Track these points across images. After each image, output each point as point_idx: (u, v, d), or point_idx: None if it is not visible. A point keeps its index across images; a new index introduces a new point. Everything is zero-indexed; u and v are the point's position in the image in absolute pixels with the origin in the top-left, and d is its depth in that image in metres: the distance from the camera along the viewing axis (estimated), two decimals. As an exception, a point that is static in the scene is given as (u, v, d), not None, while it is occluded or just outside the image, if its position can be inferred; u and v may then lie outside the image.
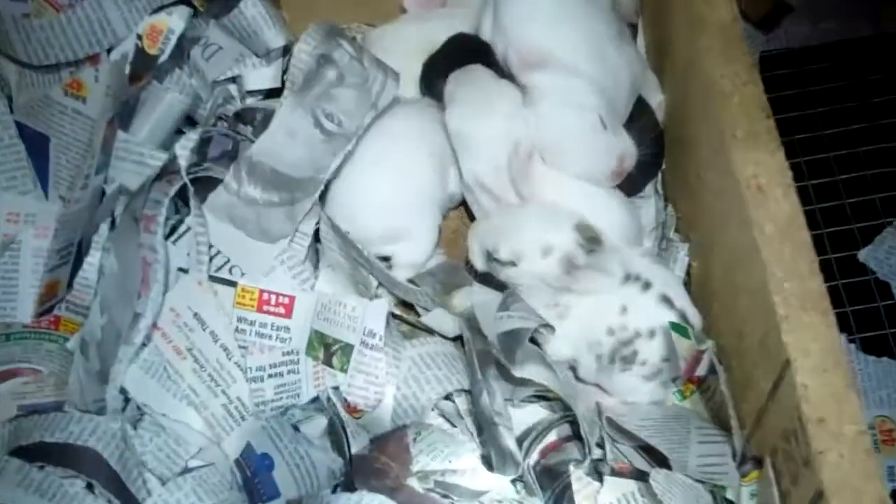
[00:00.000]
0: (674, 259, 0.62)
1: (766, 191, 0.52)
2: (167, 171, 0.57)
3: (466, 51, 0.64)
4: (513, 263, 0.57)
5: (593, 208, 0.59)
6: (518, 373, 0.53)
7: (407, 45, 0.69)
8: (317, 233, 0.59)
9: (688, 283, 0.60)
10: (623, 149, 0.61)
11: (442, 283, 0.60)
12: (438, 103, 0.64)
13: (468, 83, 0.62)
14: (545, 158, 0.60)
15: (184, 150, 0.56)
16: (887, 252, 0.70)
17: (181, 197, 0.57)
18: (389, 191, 0.61)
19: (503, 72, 0.62)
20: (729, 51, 0.56)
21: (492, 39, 0.63)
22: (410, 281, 0.61)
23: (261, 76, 0.68)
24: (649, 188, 0.67)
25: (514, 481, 0.54)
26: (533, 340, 0.54)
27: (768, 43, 0.76)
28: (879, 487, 0.44)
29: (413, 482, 0.52)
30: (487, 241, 0.59)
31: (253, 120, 0.64)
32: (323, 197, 0.60)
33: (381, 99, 0.58)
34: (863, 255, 0.70)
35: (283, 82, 0.69)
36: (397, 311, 0.60)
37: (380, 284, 0.61)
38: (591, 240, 0.57)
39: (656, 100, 0.66)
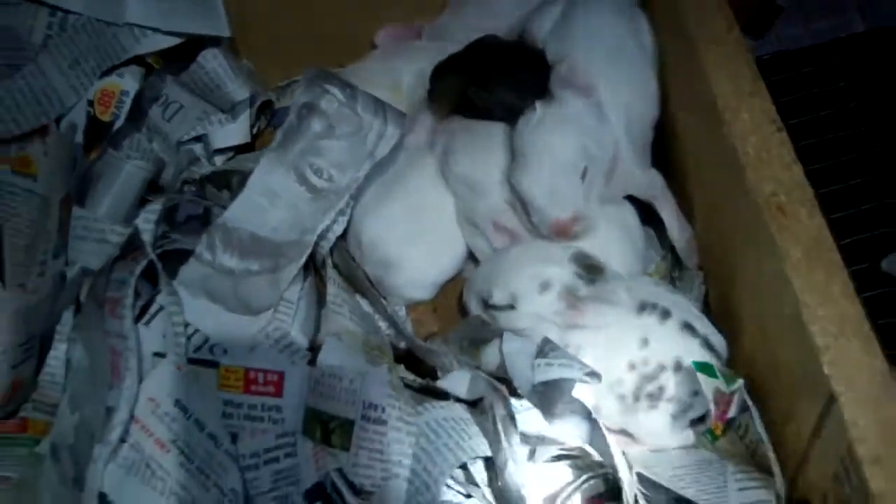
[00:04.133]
0: (689, 288, 0.58)
1: (787, 211, 0.48)
2: (131, 247, 0.52)
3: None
4: (511, 306, 0.53)
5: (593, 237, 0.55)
6: (555, 426, 0.48)
7: (373, 82, 0.64)
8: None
9: (707, 314, 0.56)
10: (580, 212, 0.56)
11: (470, 339, 0.55)
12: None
13: (462, 130, 0.59)
14: (518, 161, 0.55)
15: (147, 223, 0.52)
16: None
17: (149, 275, 0.52)
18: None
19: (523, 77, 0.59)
20: (729, 64, 0.52)
21: (546, 39, 0.61)
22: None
23: (228, 133, 0.64)
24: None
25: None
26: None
27: (760, 48, 0.73)
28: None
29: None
30: (481, 288, 0.54)
31: (226, 183, 0.59)
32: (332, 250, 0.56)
33: (380, 147, 0.54)
34: (885, 264, 0.66)
35: (252, 137, 0.65)
36: (407, 375, 0.55)
37: (395, 348, 0.56)
38: (590, 268, 0.52)
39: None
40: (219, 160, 0.66)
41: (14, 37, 0.57)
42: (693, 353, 0.52)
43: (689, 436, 0.54)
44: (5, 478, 0.55)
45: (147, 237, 0.51)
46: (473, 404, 0.54)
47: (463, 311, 0.59)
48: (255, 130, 0.67)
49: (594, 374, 0.49)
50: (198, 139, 0.65)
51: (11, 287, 0.58)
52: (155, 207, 0.53)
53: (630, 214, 0.60)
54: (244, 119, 0.65)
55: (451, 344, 0.56)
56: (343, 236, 0.58)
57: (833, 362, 0.44)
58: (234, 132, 0.64)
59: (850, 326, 0.46)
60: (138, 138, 0.61)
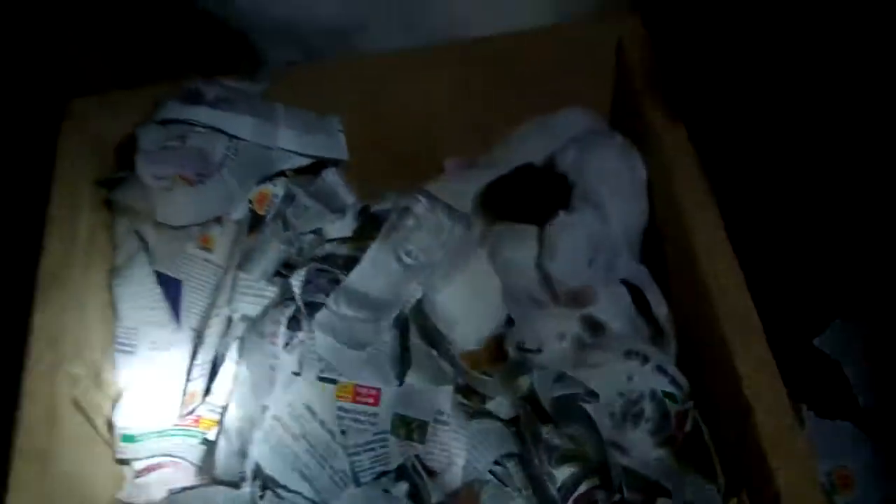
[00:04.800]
0: (666, 345, 0.81)
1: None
2: (283, 298, 0.77)
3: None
4: (539, 350, 0.76)
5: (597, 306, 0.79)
6: (566, 431, 0.71)
7: (444, 197, 0.89)
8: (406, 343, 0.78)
9: (676, 363, 0.79)
10: (588, 286, 0.80)
11: (509, 373, 0.78)
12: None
13: (505, 230, 0.84)
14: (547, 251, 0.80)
15: (297, 281, 0.76)
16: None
17: (293, 318, 0.77)
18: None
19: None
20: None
21: (567, 168, 0.85)
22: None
23: (338, 228, 0.88)
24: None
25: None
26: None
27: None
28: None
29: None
30: (518, 338, 0.78)
31: (337, 261, 0.83)
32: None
33: (451, 239, 0.79)
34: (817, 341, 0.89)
35: (353, 232, 0.90)
36: (463, 401, 0.78)
37: (456, 377, 0.79)
38: (593, 326, 0.76)
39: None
40: (328, 247, 0.90)
41: (203, 156, 0.83)
42: (664, 386, 0.75)
43: (661, 451, 0.77)
44: (181, 459, 0.79)
45: (297, 290, 0.76)
46: (512, 421, 0.78)
47: (502, 355, 0.83)
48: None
49: (593, 394, 0.73)
50: (315, 231, 0.90)
51: (185, 329, 0.83)
52: (302, 272, 0.78)
53: (624, 293, 0.84)
54: (350, 218, 0.90)
55: (496, 377, 0.79)
56: (421, 300, 0.82)
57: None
58: (343, 227, 0.88)
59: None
60: (278, 228, 0.86)
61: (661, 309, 0.82)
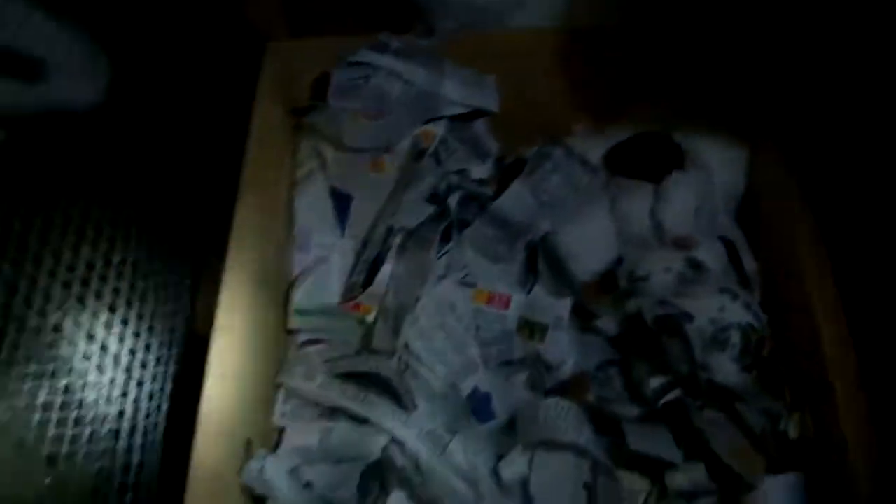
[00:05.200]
0: (753, 290, 0.95)
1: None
2: (438, 215, 0.94)
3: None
4: (646, 278, 0.92)
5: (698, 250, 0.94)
6: (663, 344, 0.87)
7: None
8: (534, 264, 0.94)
9: (759, 304, 0.93)
10: (692, 233, 0.95)
11: (619, 296, 0.94)
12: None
13: (625, 183, 0.99)
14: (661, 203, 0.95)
15: (454, 202, 0.93)
16: None
17: (445, 231, 0.93)
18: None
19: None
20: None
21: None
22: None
23: (479, 170, 1.04)
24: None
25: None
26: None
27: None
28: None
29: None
30: (631, 268, 0.93)
31: (478, 197, 1.00)
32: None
33: (580, 185, 0.95)
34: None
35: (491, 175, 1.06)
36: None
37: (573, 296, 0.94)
38: (694, 265, 0.91)
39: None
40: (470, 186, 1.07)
41: (383, 94, 1.00)
42: (750, 319, 0.89)
43: (742, 375, 0.91)
44: (336, 338, 0.96)
45: (453, 208, 0.93)
46: (616, 339, 0.93)
47: (612, 288, 0.99)
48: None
49: (689, 317, 0.88)
50: (459, 171, 1.06)
51: (349, 236, 1.01)
52: (456, 195, 0.94)
53: (721, 246, 0.98)
54: (490, 163, 1.06)
55: (607, 300, 0.95)
56: (550, 232, 0.97)
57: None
58: (483, 170, 1.05)
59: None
60: (432, 163, 1.03)
61: (750, 264, 0.96)
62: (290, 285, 0.96)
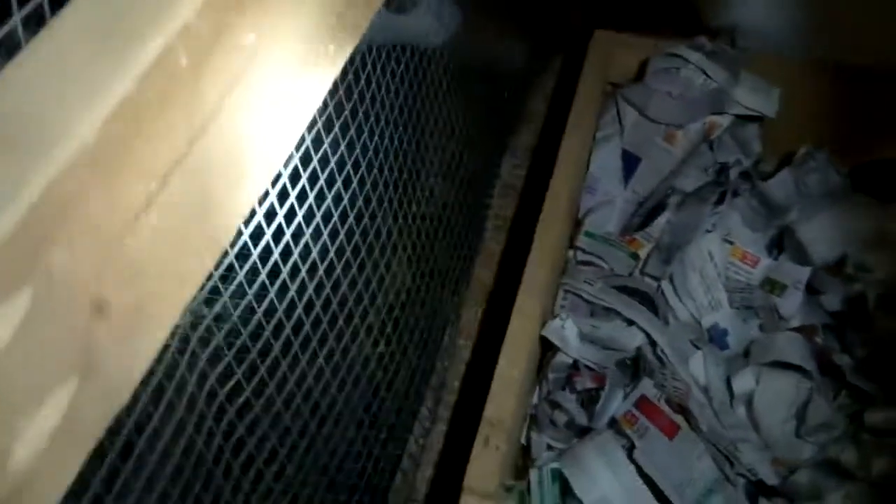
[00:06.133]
0: None
1: None
2: (715, 184, 1.18)
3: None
4: (871, 270, 1.13)
5: None
6: None
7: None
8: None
9: None
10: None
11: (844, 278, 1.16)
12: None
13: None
14: None
15: (734, 175, 1.17)
16: None
17: (719, 195, 1.18)
18: None
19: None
20: None
21: None
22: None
23: (741, 165, 1.29)
24: None
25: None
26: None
27: None
28: None
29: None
30: (855, 260, 1.15)
31: (751, 176, 1.23)
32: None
33: (833, 186, 1.18)
34: None
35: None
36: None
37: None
38: None
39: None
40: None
41: (688, 83, 1.26)
42: None
43: None
44: (609, 264, 1.21)
45: (733, 178, 1.17)
46: (837, 315, 1.15)
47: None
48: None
49: None
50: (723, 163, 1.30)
51: (629, 190, 1.27)
52: (735, 170, 1.18)
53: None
54: (749, 162, 1.29)
55: (836, 280, 1.16)
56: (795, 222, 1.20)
57: None
58: (744, 166, 1.29)
59: None
60: (707, 149, 1.27)
61: None
62: (582, 214, 1.23)
